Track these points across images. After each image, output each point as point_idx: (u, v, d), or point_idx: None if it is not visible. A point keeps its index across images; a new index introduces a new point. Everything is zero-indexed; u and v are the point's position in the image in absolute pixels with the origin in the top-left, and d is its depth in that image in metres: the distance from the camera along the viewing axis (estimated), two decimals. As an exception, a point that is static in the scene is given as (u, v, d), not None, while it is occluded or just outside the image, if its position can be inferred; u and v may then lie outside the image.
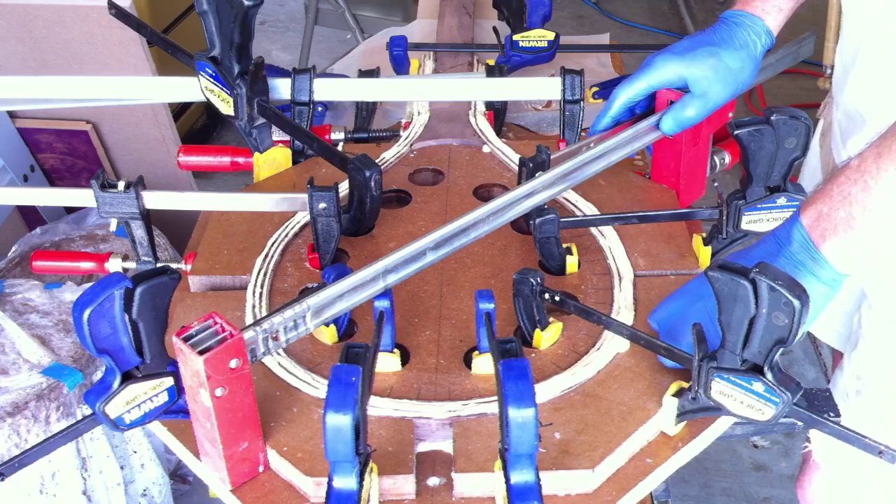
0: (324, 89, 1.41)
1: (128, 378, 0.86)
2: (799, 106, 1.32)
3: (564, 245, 1.16)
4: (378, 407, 0.97)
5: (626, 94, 1.24)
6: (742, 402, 0.88)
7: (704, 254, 1.17)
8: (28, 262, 1.75)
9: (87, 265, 1.29)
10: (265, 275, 1.16)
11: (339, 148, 1.43)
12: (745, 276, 0.82)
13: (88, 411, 0.88)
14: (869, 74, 1.19)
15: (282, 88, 1.40)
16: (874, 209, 0.90)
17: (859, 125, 1.24)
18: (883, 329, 1.24)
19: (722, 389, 0.89)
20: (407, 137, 1.44)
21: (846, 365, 1.31)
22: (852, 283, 1.29)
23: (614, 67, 1.89)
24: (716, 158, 1.33)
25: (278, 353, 1.03)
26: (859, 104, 1.22)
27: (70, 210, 2.24)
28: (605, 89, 1.53)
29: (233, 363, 0.83)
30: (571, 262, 1.16)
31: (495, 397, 0.96)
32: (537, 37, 1.64)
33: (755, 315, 0.83)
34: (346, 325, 1.08)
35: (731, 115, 1.30)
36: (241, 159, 1.40)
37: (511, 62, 1.65)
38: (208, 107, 1.36)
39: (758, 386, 0.86)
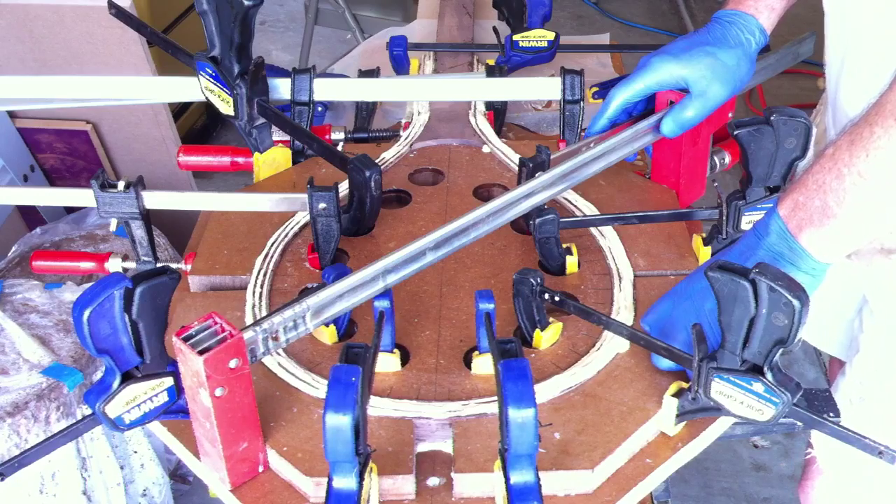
0: (324, 89, 1.41)
1: (128, 378, 0.86)
2: (799, 106, 1.32)
3: (564, 245, 1.16)
4: (378, 407, 0.97)
5: (623, 96, 1.23)
6: (742, 402, 0.88)
7: (704, 254, 1.17)
8: (28, 262, 1.74)
9: (87, 265, 1.29)
10: (265, 275, 1.16)
11: (339, 148, 1.43)
12: (745, 276, 0.82)
13: (88, 411, 0.88)
14: (857, 81, 1.18)
15: (282, 88, 1.40)
16: (848, 197, 0.90)
17: None
18: (884, 334, 1.24)
19: (722, 390, 0.89)
20: (407, 137, 1.44)
21: (848, 371, 1.30)
22: (851, 290, 1.29)
23: (614, 67, 1.89)
24: (716, 158, 1.33)
25: (278, 353, 1.03)
26: (849, 111, 1.20)
27: (70, 210, 2.24)
28: (605, 89, 1.52)
29: (232, 363, 0.83)
30: (571, 263, 1.16)
31: (495, 397, 0.95)
32: (537, 37, 1.64)
33: (755, 315, 0.83)
34: (346, 325, 1.08)
35: (730, 115, 1.30)
36: (241, 159, 1.40)
37: (511, 62, 1.65)
38: (208, 107, 1.36)
39: (758, 386, 0.86)
